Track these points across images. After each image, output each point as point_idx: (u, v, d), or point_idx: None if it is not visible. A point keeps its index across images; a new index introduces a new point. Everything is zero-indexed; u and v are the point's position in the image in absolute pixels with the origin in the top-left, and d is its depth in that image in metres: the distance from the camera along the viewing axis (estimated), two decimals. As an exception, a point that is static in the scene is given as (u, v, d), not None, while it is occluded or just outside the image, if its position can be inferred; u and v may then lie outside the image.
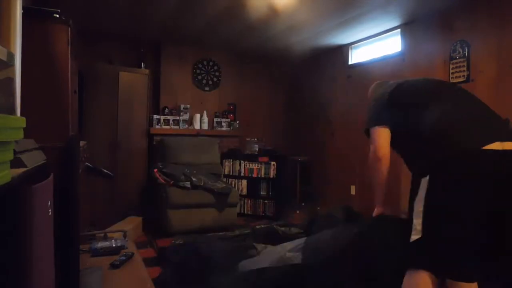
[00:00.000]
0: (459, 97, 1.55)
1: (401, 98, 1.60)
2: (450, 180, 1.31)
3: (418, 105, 1.51)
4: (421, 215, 1.33)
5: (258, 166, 4.49)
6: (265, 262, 2.03)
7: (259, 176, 4.49)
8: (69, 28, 1.79)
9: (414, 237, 1.33)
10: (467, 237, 1.30)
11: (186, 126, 4.52)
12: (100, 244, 2.45)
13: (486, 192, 1.29)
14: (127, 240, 2.68)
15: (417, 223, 1.33)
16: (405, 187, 3.55)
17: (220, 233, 3.30)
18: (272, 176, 4.45)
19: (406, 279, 1.37)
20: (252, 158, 4.51)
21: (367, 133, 1.69)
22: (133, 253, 2.40)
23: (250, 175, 4.50)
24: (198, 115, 4.62)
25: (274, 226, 3.37)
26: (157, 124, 4.32)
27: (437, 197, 1.32)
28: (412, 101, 1.56)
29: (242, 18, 3.55)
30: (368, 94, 1.89)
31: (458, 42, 3.08)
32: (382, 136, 1.59)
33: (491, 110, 1.50)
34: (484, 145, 1.27)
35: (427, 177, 1.33)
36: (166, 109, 4.50)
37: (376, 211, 1.72)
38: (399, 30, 3.70)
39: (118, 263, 2.19)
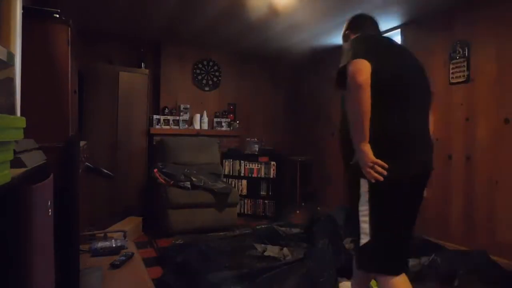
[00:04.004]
0: (421, 102, 1.50)
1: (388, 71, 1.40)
2: (389, 186, 1.33)
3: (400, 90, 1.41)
4: (367, 219, 1.37)
5: (258, 166, 4.49)
6: None
7: (259, 176, 4.49)
8: (69, 28, 1.79)
9: (363, 241, 1.38)
10: (404, 235, 1.42)
11: (186, 126, 4.52)
12: (100, 244, 2.45)
13: (411, 195, 1.43)
14: (127, 240, 2.68)
15: (365, 227, 1.37)
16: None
17: (220, 233, 3.30)
18: (272, 176, 4.45)
19: (359, 280, 1.51)
20: (252, 158, 4.51)
21: (341, 77, 1.39)
22: (133, 253, 2.39)
23: (250, 175, 4.50)
24: (198, 115, 4.62)
25: (274, 226, 3.37)
26: (157, 124, 4.32)
27: (380, 202, 1.36)
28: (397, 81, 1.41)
29: (242, 18, 3.55)
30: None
31: (458, 42, 3.08)
32: (365, 65, 1.31)
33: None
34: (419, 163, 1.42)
35: (367, 181, 1.35)
36: (166, 109, 4.49)
37: (362, 152, 1.33)
38: (399, 30, 3.70)
39: (118, 263, 2.19)
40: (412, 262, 2.36)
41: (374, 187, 1.34)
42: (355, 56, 1.34)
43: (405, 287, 1.36)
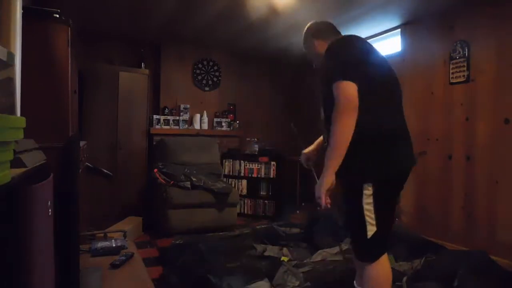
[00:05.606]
0: (398, 104, 1.58)
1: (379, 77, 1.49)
2: (393, 182, 1.51)
3: (384, 101, 1.49)
4: (373, 211, 1.46)
5: (258, 166, 4.49)
6: None
7: (259, 176, 4.49)
8: (69, 28, 1.80)
9: (371, 232, 1.47)
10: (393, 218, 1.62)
11: (186, 126, 4.52)
12: (100, 244, 2.45)
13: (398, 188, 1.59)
14: (127, 240, 2.68)
15: (370, 219, 1.47)
16: (405, 187, 3.55)
17: (220, 233, 3.30)
18: (272, 176, 4.45)
19: (375, 270, 1.53)
20: (252, 158, 4.51)
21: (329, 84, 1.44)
22: (133, 253, 2.39)
23: (250, 175, 4.50)
24: (198, 115, 4.62)
25: (274, 226, 3.37)
26: (157, 124, 4.32)
27: (382, 197, 1.47)
28: (386, 86, 1.51)
29: (242, 18, 3.55)
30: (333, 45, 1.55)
31: (458, 42, 3.08)
32: (354, 89, 1.36)
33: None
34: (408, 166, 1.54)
35: (372, 183, 1.44)
36: (166, 109, 4.49)
37: (329, 178, 1.48)
38: (399, 30, 3.70)
39: (118, 263, 2.19)
40: (412, 264, 2.37)
41: (377, 186, 1.45)
42: (345, 76, 1.38)
43: (388, 263, 1.57)
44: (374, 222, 1.46)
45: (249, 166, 4.51)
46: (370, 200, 1.45)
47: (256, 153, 4.57)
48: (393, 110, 1.51)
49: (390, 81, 1.55)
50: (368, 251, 1.53)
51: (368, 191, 1.45)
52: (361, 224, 1.48)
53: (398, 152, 1.48)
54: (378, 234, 1.47)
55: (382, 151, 1.44)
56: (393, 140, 1.47)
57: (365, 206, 1.47)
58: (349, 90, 1.36)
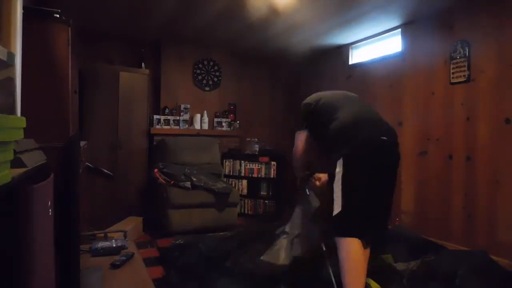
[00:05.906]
0: (357, 105, 2.05)
1: (319, 111, 2.13)
2: (356, 156, 1.77)
3: (331, 113, 2.00)
4: (340, 192, 1.73)
5: (258, 166, 4.49)
6: None
7: (259, 176, 4.49)
8: (69, 28, 1.80)
9: (336, 211, 1.73)
10: (368, 203, 1.77)
11: (187, 126, 4.52)
12: (101, 244, 2.45)
13: (376, 167, 1.78)
14: (127, 240, 2.68)
15: (338, 199, 1.73)
16: (405, 187, 3.55)
17: (220, 233, 3.30)
18: (272, 176, 4.45)
19: (344, 248, 1.72)
20: (252, 158, 4.51)
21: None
22: (133, 253, 2.39)
23: (250, 175, 4.50)
24: (198, 115, 4.62)
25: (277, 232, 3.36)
26: (158, 124, 4.32)
27: (349, 172, 1.73)
28: (327, 112, 2.04)
29: (242, 17, 3.55)
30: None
31: (458, 42, 3.08)
32: (301, 139, 2.19)
33: (376, 113, 2.03)
34: (373, 137, 1.83)
35: (341, 159, 1.76)
36: (167, 109, 4.49)
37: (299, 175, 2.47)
38: (399, 30, 3.69)
39: (119, 263, 2.19)
40: (413, 264, 2.36)
41: (346, 162, 1.75)
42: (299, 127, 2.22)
43: (357, 246, 1.72)
44: (339, 203, 1.72)
45: (250, 166, 4.51)
46: (339, 183, 1.74)
47: (257, 153, 4.57)
48: (348, 111, 1.94)
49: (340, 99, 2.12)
50: (335, 226, 1.78)
51: (339, 166, 1.75)
52: (331, 203, 1.77)
53: (359, 133, 1.82)
54: (345, 214, 1.71)
55: (348, 136, 1.83)
56: (354, 128, 1.84)
57: (335, 189, 1.77)
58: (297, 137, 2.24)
